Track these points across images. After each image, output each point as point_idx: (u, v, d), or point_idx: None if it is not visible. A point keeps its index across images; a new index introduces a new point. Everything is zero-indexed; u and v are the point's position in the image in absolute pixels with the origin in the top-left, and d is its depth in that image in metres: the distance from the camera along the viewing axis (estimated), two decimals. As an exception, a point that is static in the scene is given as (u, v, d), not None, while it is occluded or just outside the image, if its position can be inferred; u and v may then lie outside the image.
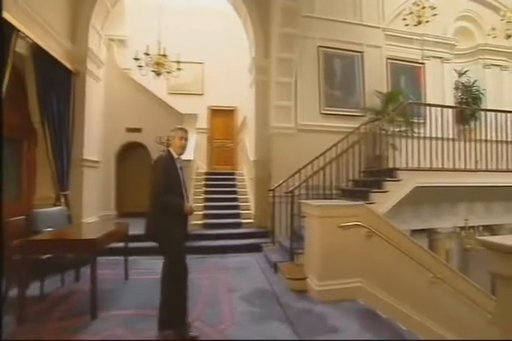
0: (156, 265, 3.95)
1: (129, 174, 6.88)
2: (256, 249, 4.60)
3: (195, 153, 6.26)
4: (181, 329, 2.15)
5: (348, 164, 4.22)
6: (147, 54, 4.61)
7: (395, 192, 3.68)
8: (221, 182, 6.61)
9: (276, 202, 4.35)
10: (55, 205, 3.96)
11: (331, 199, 3.88)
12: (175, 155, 2.32)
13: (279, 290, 3.06)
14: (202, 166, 8.08)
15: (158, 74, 5.04)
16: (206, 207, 5.62)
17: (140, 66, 4.82)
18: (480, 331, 3.10)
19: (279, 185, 4.30)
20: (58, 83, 4.17)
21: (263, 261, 4.14)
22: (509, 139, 4.63)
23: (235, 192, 6.25)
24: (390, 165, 4.22)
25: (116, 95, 6.28)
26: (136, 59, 4.66)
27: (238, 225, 5.29)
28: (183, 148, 2.36)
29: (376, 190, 3.68)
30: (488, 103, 6.54)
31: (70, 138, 4.47)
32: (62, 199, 4.22)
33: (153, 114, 6.59)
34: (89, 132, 5.02)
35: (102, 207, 5.88)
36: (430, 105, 4.34)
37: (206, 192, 6.10)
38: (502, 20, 6.71)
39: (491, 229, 5.35)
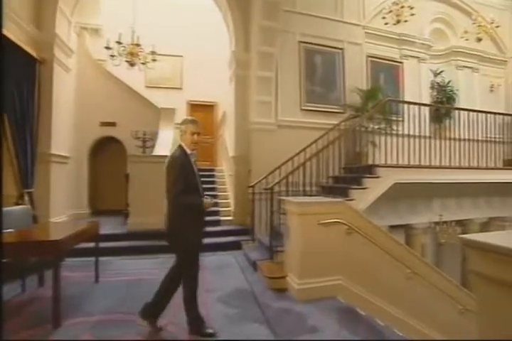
0: (129, 265, 3.80)
1: (104, 170, 6.57)
2: (235, 246, 4.50)
3: (172, 148, 6.06)
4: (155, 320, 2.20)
5: (329, 161, 4.21)
6: (119, 42, 4.33)
7: (374, 189, 3.71)
8: (200, 178, 6.43)
9: (256, 198, 4.27)
10: (17, 204, 3.66)
11: (311, 195, 3.85)
12: (188, 151, 2.19)
13: (259, 289, 2.99)
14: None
15: (131, 64, 4.76)
16: (184, 205, 5.44)
17: (112, 56, 4.53)
18: (452, 321, 3.20)
19: (259, 182, 4.22)
20: (20, 71, 3.84)
21: (242, 259, 4.05)
22: (480, 138, 4.80)
23: (214, 189, 6.10)
24: (370, 162, 4.25)
25: (90, 87, 5.94)
26: (108, 48, 4.37)
27: (217, 223, 5.16)
28: (196, 143, 2.21)
29: (356, 187, 3.68)
30: (461, 103, 6.77)
31: (35, 132, 4.15)
32: (26, 198, 3.91)
33: (129, 107, 6.30)
34: (57, 125, 4.69)
35: (73, 205, 5.56)
36: (408, 103, 4.40)
37: (185, 189, 5.91)
38: (473, 23, 6.97)
39: (462, 224, 5.56)
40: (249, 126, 4.98)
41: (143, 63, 4.90)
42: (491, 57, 7.43)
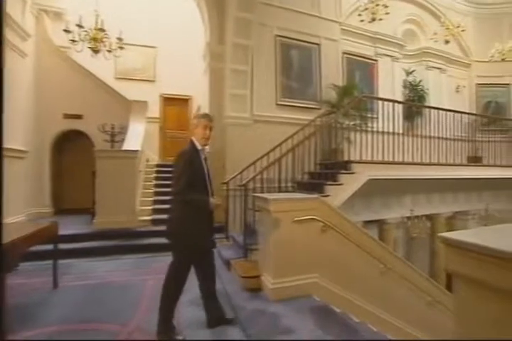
0: (95, 268, 3.54)
1: (69, 166, 6.15)
2: (210, 245, 4.36)
3: (144, 143, 5.77)
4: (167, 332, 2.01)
5: (304, 156, 4.17)
6: (80, 26, 3.96)
7: (349, 185, 3.71)
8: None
9: (230, 195, 4.15)
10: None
11: (287, 192, 3.79)
12: (199, 147, 2.09)
13: (232, 289, 2.88)
14: (153, 157, 7.53)
15: (95, 51, 4.40)
16: (156, 202, 5.21)
17: (73, 40, 4.15)
18: (422, 313, 3.28)
19: (233, 178, 4.10)
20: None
21: (216, 258, 3.90)
22: (447, 136, 4.97)
23: (188, 186, 5.90)
24: (345, 158, 4.26)
25: (51, 76, 5.48)
26: (67, 31, 3.97)
27: (191, 220, 4.98)
28: (208, 138, 2.11)
29: (331, 183, 3.67)
30: (431, 102, 7.00)
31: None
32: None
33: (97, 99, 5.91)
34: (11, 116, 4.27)
35: (33, 203, 5.14)
36: (382, 99, 4.45)
37: (157, 186, 5.66)
38: (442, 26, 7.25)
39: (430, 218, 5.78)
40: (223, 121, 4.82)
41: (109, 51, 4.55)
42: (457, 59, 7.77)
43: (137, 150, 4.76)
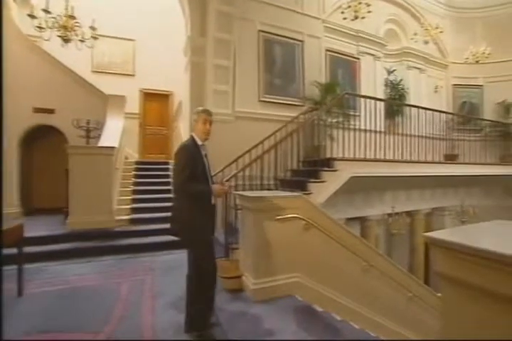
0: (68, 271, 3.33)
1: (41, 163, 5.82)
2: (191, 244, 4.24)
3: (123, 140, 5.54)
4: (206, 331, 2.02)
5: (287, 154, 4.12)
6: (47, 11, 3.67)
7: (332, 182, 3.69)
8: (154, 172, 6.00)
9: (212, 193, 4.03)
10: None
11: (269, 189, 3.73)
12: (199, 142, 2.08)
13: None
14: (132, 155, 7.27)
15: (66, 40, 4.11)
16: (135, 200, 5.01)
17: (40, 27, 3.86)
18: (402, 308, 3.32)
19: (215, 175, 3.97)
20: None
21: (197, 258, 3.81)
22: (426, 134, 5.07)
23: (168, 183, 5.71)
24: (328, 155, 4.25)
25: (18, 66, 5.12)
26: (32, 16, 3.67)
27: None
28: (208, 133, 2.11)
29: (314, 180, 3.63)
30: (410, 101, 7.14)
31: None
32: None
33: (71, 93, 5.61)
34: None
35: (-1, 203, 4.79)
36: (365, 97, 4.46)
37: (136, 184, 5.46)
38: (421, 27, 7.40)
39: (410, 215, 5.91)
40: (205, 117, 4.68)
41: (81, 41, 4.28)
42: (435, 60, 7.97)
43: (114, 147, 4.54)
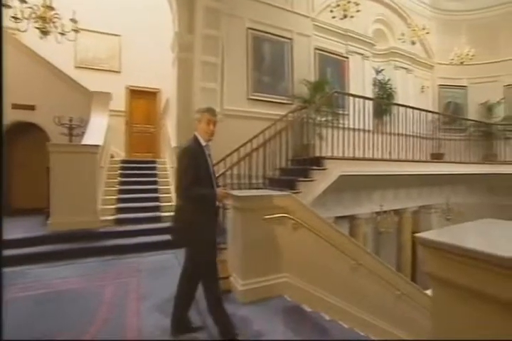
0: (49, 274, 3.19)
1: (21, 162, 5.59)
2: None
3: (108, 138, 5.39)
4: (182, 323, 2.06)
5: (276, 152, 4.09)
6: (23, 0, 3.47)
7: (321, 181, 3.68)
8: (140, 171, 5.86)
9: (199, 193, 3.96)
10: None
11: (258, 188, 3.68)
12: (202, 142, 1.99)
13: (199, 292, 2.70)
14: (118, 153, 7.10)
15: (44, 32, 3.92)
16: (120, 200, 4.88)
17: (16, 18, 3.66)
18: (391, 306, 3.34)
19: (203, 175, 3.91)
20: None
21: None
22: (413, 133, 5.13)
23: (155, 183, 5.60)
24: (317, 154, 4.24)
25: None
26: (6, 6, 3.46)
27: (158, 219, 4.71)
28: (212, 134, 2.02)
29: (303, 179, 3.61)
30: (398, 101, 7.23)
31: None
32: None
33: (53, 89, 5.41)
34: None
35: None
36: (354, 96, 4.47)
37: (121, 183, 5.30)
38: (409, 28, 7.50)
39: (398, 213, 5.99)
40: (192, 115, 4.58)
41: (61, 33, 4.10)
42: (422, 60, 8.10)
43: (98, 145, 4.40)
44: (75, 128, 4.95)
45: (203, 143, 2.00)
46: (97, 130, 4.92)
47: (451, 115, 7.79)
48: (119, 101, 7.37)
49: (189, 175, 1.86)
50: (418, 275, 6.49)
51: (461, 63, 7.51)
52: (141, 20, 7.46)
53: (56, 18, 4.01)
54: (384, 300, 3.24)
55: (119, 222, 4.44)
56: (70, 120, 4.97)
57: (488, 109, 7.84)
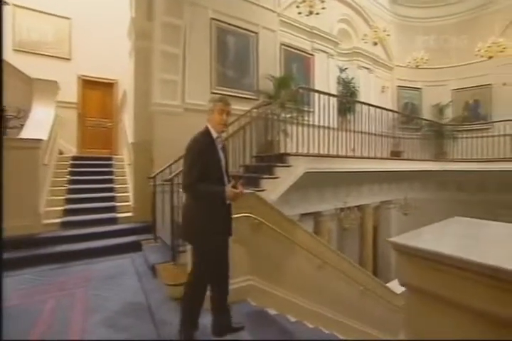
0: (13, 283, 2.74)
1: None
2: (136, 248, 3.84)
3: (54, 131, 4.86)
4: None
5: (240, 149, 3.93)
6: None
7: (285, 178, 3.59)
8: (94, 168, 5.38)
9: (158, 191, 3.68)
10: None
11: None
12: (214, 134, 1.89)
13: (156, 301, 2.50)
14: (69, 149, 6.48)
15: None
16: (69, 201, 4.42)
17: None
18: (356, 302, 3.38)
19: (161, 172, 3.64)
20: None
21: (141, 262, 3.45)
22: (375, 132, 5.27)
23: (111, 181, 5.18)
24: (282, 151, 4.15)
25: None
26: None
27: (113, 221, 4.35)
28: (225, 124, 1.94)
29: (267, 176, 3.50)
30: (360, 99, 7.44)
31: None
32: None
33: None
34: None
35: None
36: (319, 92, 4.44)
37: (71, 182, 4.82)
38: (371, 29, 7.73)
39: (360, 209, 6.16)
40: (151, 108, 4.26)
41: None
42: (383, 62, 8.42)
43: (41, 140, 3.91)
44: (11, 120, 4.36)
45: (215, 135, 1.89)
46: (40, 122, 4.39)
47: (409, 115, 8.20)
48: (70, 92, 6.72)
49: (194, 171, 1.76)
50: (379, 269, 6.77)
51: (417, 67, 7.93)
52: (95, 3, 6.83)
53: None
54: (349, 297, 3.27)
55: (67, 225, 4.02)
56: (3, 110, 4.36)
57: (439, 110, 8.38)
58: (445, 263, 0.67)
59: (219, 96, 2.04)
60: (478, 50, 7.00)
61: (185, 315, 1.91)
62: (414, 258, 0.73)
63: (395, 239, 0.78)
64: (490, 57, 7.01)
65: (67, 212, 4.21)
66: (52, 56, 6.68)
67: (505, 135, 7.04)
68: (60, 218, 4.05)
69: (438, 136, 7.83)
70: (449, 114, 8.36)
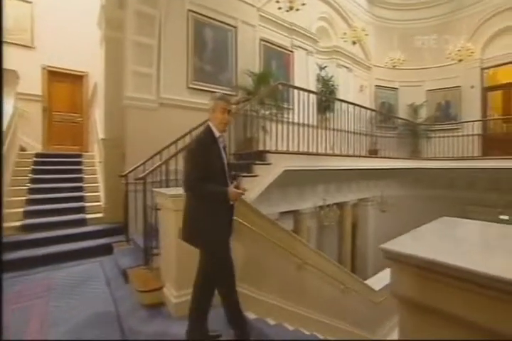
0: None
1: None
2: (106, 251, 3.62)
3: (16, 126, 4.48)
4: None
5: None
6: None
7: (265, 176, 3.49)
8: (61, 166, 5.03)
9: (130, 190, 3.46)
10: None
11: (198, 185, 3.34)
12: (216, 133, 1.86)
13: (127, 309, 2.32)
14: (33, 146, 6.03)
15: None
16: (31, 202, 4.08)
17: None
18: (337, 301, 3.35)
19: (134, 170, 3.42)
20: None
21: (112, 267, 3.23)
22: (353, 130, 5.30)
23: (80, 180, 4.86)
24: (261, 148, 4.05)
25: None
26: None
27: (82, 222, 4.07)
28: (227, 123, 1.90)
29: (246, 175, 3.38)
30: (339, 97, 7.50)
31: None
32: None
33: None
34: None
35: None
36: (298, 88, 4.38)
37: (34, 181, 4.47)
38: (350, 28, 7.79)
39: (339, 206, 6.19)
40: (123, 102, 4.00)
41: None
42: (361, 61, 8.53)
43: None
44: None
45: (217, 135, 1.86)
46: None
47: (386, 114, 8.38)
48: (34, 84, 6.25)
49: (197, 171, 1.73)
50: (357, 266, 6.87)
51: (394, 67, 8.11)
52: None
53: None
54: (329, 296, 3.23)
55: (29, 228, 3.71)
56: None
57: (414, 110, 8.64)
58: (448, 275, 0.59)
59: (219, 94, 1.99)
60: (449, 53, 7.27)
61: (193, 316, 1.85)
62: (410, 268, 0.64)
63: (386, 245, 0.68)
64: (460, 60, 7.31)
65: (29, 214, 3.88)
66: (12, 43, 6.12)
67: (473, 135, 7.37)
68: (20, 221, 3.72)
69: (413, 135, 8.06)
70: (423, 113, 8.63)
